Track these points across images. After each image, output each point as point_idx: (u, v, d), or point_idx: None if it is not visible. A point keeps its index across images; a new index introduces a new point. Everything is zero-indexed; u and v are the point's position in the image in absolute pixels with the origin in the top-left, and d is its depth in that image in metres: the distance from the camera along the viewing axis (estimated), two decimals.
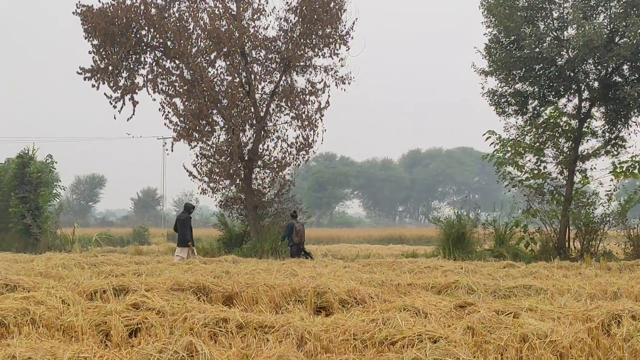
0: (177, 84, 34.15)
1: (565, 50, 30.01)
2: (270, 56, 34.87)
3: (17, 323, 10.76)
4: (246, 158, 34.49)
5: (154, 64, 34.87)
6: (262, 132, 34.75)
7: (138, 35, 34.25)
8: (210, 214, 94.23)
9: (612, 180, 30.88)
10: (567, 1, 30.29)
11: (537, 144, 31.24)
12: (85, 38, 34.04)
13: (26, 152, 42.67)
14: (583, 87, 30.91)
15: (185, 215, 27.28)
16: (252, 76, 34.62)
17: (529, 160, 31.47)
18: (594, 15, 29.79)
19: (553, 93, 31.15)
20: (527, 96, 31.25)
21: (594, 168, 31.40)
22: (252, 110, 34.68)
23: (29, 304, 11.47)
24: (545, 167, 31.32)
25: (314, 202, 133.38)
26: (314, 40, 34.60)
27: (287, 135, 35.30)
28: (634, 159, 30.39)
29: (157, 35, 34.36)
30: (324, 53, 34.94)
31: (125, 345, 9.95)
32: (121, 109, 34.46)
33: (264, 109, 34.95)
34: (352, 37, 35.02)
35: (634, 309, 11.14)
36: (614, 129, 31.14)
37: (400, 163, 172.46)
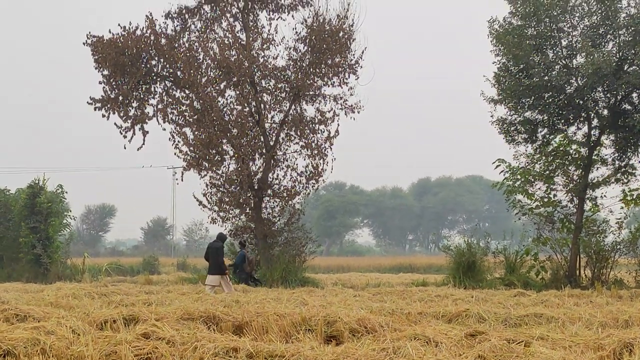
0: (187, 114, 34.25)
1: (574, 79, 30.08)
2: (279, 85, 34.96)
3: (28, 353, 10.75)
4: (256, 187, 34.52)
5: (164, 94, 35.00)
6: (272, 161, 34.78)
7: (148, 65, 34.40)
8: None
9: (622, 208, 30.83)
10: (576, 29, 30.39)
11: (547, 172, 31.23)
12: (96, 68, 34.22)
13: (36, 182, 42.78)
14: (592, 115, 30.93)
15: (220, 244, 27.45)
16: (262, 105, 34.70)
17: (539, 188, 31.45)
18: (603, 44, 29.88)
19: (562, 121, 31.19)
20: (537, 124, 31.28)
21: (604, 196, 31.36)
22: (262, 139, 34.74)
23: (39, 334, 11.46)
24: (555, 195, 31.28)
25: (324, 231, 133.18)
26: (323, 69, 34.68)
27: (296, 164, 35.35)
28: None
29: (167, 65, 34.53)
30: (334, 82, 35.00)
31: None
32: (131, 138, 34.57)
33: (274, 138, 35.00)
34: (361, 66, 35.13)
35: None
36: (624, 156, 31.13)
37: (410, 191, 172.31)
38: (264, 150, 34.71)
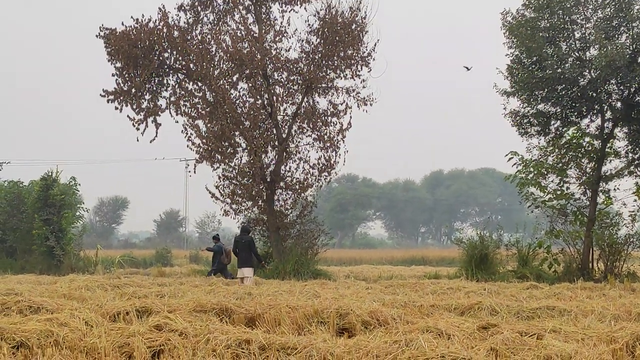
0: (199, 106, 34.25)
1: (587, 71, 29.97)
2: (292, 78, 34.92)
3: (41, 345, 10.80)
4: (268, 179, 34.53)
5: (176, 86, 35.03)
6: (284, 154, 34.78)
7: (161, 58, 34.43)
8: (232, 235, 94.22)
9: (635, 200, 30.71)
10: (589, 22, 30.25)
11: (560, 164, 31.11)
12: (109, 61, 34.26)
13: (50, 174, 42.85)
14: (606, 107, 30.81)
15: (250, 237, 28.96)
16: (274, 98, 34.66)
17: (552, 181, 31.32)
18: (616, 36, 29.75)
19: (575, 113, 31.08)
20: (550, 117, 31.18)
21: (617, 188, 31.22)
22: (274, 131, 34.75)
23: (52, 326, 11.51)
24: (568, 188, 31.16)
25: (336, 224, 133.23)
26: (335, 61, 34.63)
27: (309, 157, 35.32)
28: None
29: (180, 58, 34.53)
30: (346, 74, 34.95)
31: None
32: (144, 131, 34.62)
33: (286, 131, 34.99)
34: (374, 59, 35.07)
35: None
36: (637, 149, 31.00)
37: (422, 184, 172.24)
38: (276, 143, 34.72)
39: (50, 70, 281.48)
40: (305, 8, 35.27)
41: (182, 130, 34.36)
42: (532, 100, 31.01)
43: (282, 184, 35.01)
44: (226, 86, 34.12)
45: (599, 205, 31.03)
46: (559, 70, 29.82)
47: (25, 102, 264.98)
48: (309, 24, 34.87)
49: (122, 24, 34.23)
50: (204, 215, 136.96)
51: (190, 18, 35.42)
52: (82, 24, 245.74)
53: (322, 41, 34.52)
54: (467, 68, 37.41)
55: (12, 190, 45.23)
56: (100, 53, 34.64)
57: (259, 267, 29.56)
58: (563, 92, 30.52)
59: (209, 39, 34.76)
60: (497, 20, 31.51)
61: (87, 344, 10.88)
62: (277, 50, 34.82)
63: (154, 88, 34.94)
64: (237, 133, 34.14)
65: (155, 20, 34.17)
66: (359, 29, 34.53)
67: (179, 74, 35.11)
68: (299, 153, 35.31)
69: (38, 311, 14.21)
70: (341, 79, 35.08)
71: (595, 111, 31.00)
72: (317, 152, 35.13)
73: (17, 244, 43.83)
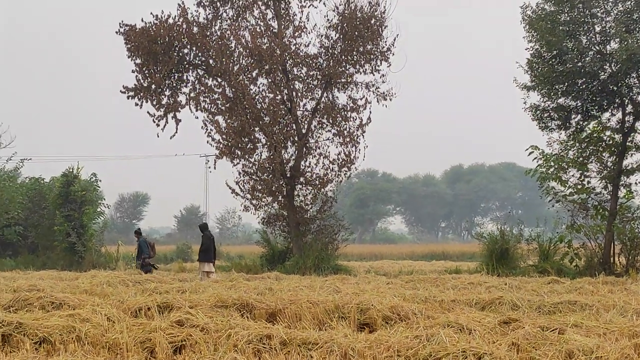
0: (219, 102, 34.33)
1: (608, 64, 29.82)
2: (311, 73, 34.93)
3: (63, 340, 10.87)
4: (288, 175, 34.56)
5: (196, 82, 35.12)
6: (304, 149, 34.80)
7: (180, 54, 34.52)
8: (252, 231, 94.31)
9: None
10: (610, 15, 30.11)
11: (581, 158, 30.99)
12: (129, 57, 34.38)
13: (71, 170, 43.01)
14: (627, 101, 30.66)
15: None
16: (294, 93, 34.69)
17: (573, 175, 31.20)
18: (637, 29, 29.59)
19: (596, 107, 30.94)
20: (570, 111, 31.04)
21: (639, 182, 31.09)
22: (294, 127, 34.76)
23: (74, 322, 11.58)
24: (589, 182, 31.03)
25: (356, 219, 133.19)
26: (355, 56, 34.60)
27: (328, 152, 35.33)
28: None
29: (199, 54, 34.64)
30: (365, 69, 34.93)
31: None
32: (164, 127, 34.72)
33: (306, 126, 35.00)
34: (393, 53, 35.02)
35: None
36: None
37: (443, 179, 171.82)
38: (296, 138, 34.73)
39: (69, 66, 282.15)
40: (324, 3, 35.23)
41: (202, 126, 34.51)
42: (552, 94, 30.91)
43: (302, 179, 35.03)
44: (245, 82, 34.18)
45: (620, 199, 30.89)
46: (579, 64, 29.72)
47: (45, 99, 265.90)
48: (328, 19, 34.89)
49: (142, 20, 34.38)
50: (224, 211, 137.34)
51: (209, 14, 35.48)
52: (102, 20, 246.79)
53: (341, 36, 34.51)
54: None
55: (33, 186, 45.53)
56: (120, 49, 34.78)
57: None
58: (583, 86, 30.41)
59: (228, 34, 34.82)
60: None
61: (109, 339, 10.94)
62: (297, 46, 34.86)
63: (174, 84, 35.04)
64: (256, 129, 34.21)
65: (175, 17, 34.30)
66: (378, 23, 34.49)
67: (199, 70, 35.21)
68: (319, 148, 35.37)
69: (60, 307, 14.29)
70: (360, 74, 35.11)
71: (616, 105, 30.86)
72: (336, 147, 35.20)
73: (38, 241, 44.10)
